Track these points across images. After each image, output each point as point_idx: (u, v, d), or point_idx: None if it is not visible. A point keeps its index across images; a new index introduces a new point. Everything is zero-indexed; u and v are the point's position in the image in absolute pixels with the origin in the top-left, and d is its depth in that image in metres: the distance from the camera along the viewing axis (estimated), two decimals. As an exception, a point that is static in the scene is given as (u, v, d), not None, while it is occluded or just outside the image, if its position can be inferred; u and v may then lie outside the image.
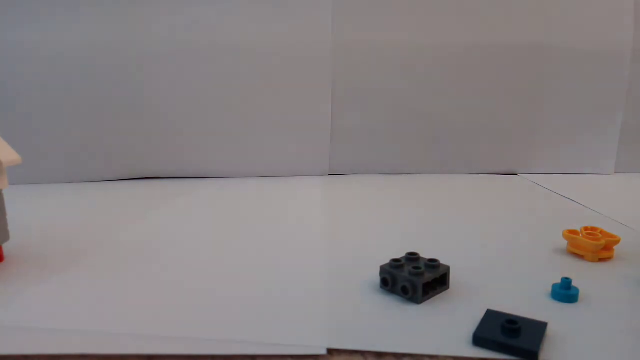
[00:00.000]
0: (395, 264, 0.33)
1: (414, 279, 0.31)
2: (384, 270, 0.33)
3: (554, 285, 0.32)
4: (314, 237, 0.43)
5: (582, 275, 0.36)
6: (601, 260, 0.38)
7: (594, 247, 0.38)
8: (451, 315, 0.30)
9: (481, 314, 0.30)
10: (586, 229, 0.40)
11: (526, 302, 0.32)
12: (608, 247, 0.39)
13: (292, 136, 0.64)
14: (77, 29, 0.58)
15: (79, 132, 0.60)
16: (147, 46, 0.59)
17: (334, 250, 0.40)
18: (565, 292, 0.32)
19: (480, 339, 0.27)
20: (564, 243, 0.41)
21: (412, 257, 0.33)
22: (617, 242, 0.39)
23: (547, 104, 0.65)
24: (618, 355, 0.26)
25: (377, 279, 0.34)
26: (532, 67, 0.64)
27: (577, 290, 0.32)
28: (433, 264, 0.32)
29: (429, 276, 0.32)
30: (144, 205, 0.52)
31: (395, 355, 0.26)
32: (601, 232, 0.40)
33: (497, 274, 0.36)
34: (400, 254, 0.38)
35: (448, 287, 0.33)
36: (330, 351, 0.27)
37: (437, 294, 0.33)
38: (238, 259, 0.38)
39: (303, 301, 0.32)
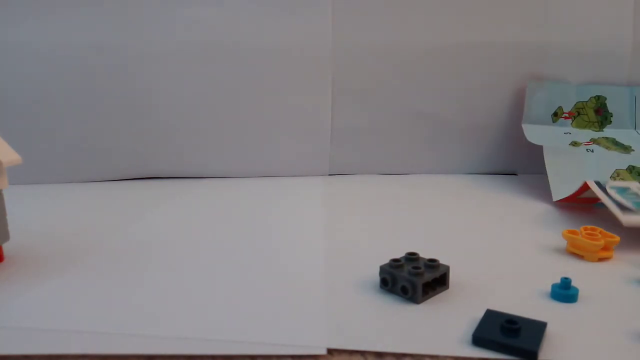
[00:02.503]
0: (395, 263, 0.33)
1: (414, 279, 0.31)
2: (383, 270, 0.33)
3: (554, 285, 0.33)
4: (314, 237, 0.43)
5: (582, 275, 0.36)
6: (600, 260, 0.38)
7: (593, 247, 0.38)
8: (451, 315, 0.30)
9: (481, 314, 0.30)
10: (585, 229, 0.40)
11: (525, 302, 0.32)
12: (607, 247, 0.39)
13: (292, 136, 0.64)
14: (76, 29, 0.58)
15: (79, 132, 0.60)
16: (146, 46, 0.59)
17: (333, 250, 0.40)
18: (564, 292, 0.32)
19: (479, 339, 0.27)
20: (563, 243, 0.41)
21: (412, 257, 0.34)
22: (617, 242, 0.39)
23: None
24: (617, 355, 0.26)
25: (376, 278, 0.34)
26: (532, 67, 0.64)
27: (576, 290, 0.32)
28: (432, 263, 0.32)
29: (428, 276, 0.32)
30: (143, 205, 0.52)
31: (395, 355, 0.27)
32: (600, 232, 0.40)
33: (496, 273, 0.36)
34: (400, 254, 0.38)
35: (447, 287, 0.33)
36: (330, 351, 0.27)
37: (437, 293, 0.33)
38: (238, 258, 0.39)
39: (303, 301, 0.32)
